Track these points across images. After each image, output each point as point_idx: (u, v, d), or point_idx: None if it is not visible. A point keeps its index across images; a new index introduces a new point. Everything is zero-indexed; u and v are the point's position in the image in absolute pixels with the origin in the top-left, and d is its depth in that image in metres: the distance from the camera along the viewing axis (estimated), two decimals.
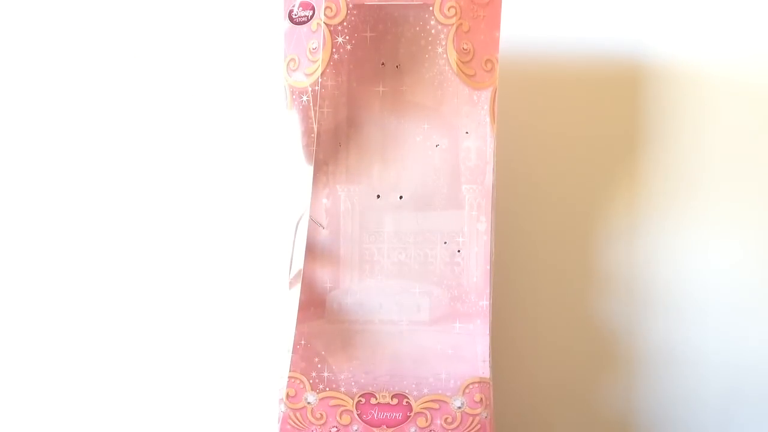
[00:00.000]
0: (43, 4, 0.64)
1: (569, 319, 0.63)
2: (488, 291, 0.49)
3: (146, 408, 0.66)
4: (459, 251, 0.50)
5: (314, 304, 0.50)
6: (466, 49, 0.48)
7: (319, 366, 0.49)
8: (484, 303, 0.49)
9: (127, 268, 0.65)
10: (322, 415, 0.49)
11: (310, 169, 0.49)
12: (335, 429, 0.49)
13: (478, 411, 0.49)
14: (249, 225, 0.64)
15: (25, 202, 0.65)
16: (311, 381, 0.49)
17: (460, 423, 0.49)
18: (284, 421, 0.50)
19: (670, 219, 0.62)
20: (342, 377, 0.49)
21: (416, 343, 0.50)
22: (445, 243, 0.50)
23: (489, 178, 0.49)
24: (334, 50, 0.48)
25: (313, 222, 0.49)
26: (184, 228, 0.64)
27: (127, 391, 0.66)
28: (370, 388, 0.49)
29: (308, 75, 0.48)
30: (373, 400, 0.49)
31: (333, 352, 0.50)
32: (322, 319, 0.50)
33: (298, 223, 0.49)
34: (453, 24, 0.47)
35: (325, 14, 0.47)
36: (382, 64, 0.49)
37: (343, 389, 0.49)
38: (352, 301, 0.50)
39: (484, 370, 0.49)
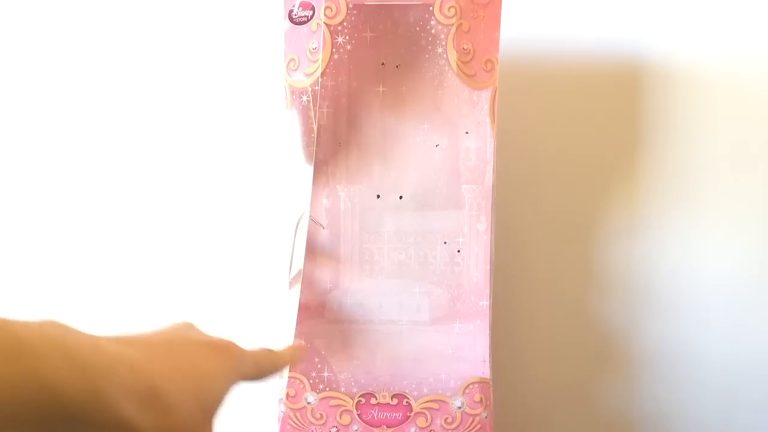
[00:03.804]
0: (43, 5, 0.64)
1: (569, 319, 0.63)
2: (488, 291, 0.49)
3: None
4: (459, 251, 0.50)
5: (314, 304, 0.50)
6: (466, 49, 0.48)
7: (319, 366, 0.49)
8: (484, 303, 0.49)
9: (128, 268, 0.65)
10: (322, 415, 0.49)
11: (310, 169, 0.49)
12: (335, 429, 0.49)
13: (478, 411, 0.49)
14: (249, 225, 0.64)
15: (26, 203, 0.65)
16: (311, 381, 0.49)
17: (460, 423, 0.49)
18: (284, 421, 0.50)
19: (669, 219, 0.62)
20: (342, 377, 0.49)
21: (416, 343, 0.50)
22: (445, 243, 0.50)
23: (489, 178, 0.49)
24: (334, 50, 0.48)
25: (313, 222, 0.49)
26: (184, 228, 0.64)
27: None
28: (370, 388, 0.49)
29: (308, 75, 0.48)
30: (373, 400, 0.49)
31: (333, 352, 0.50)
32: (322, 319, 0.50)
33: (298, 223, 0.49)
34: (453, 24, 0.47)
35: (325, 14, 0.47)
36: (382, 64, 0.49)
37: (343, 389, 0.49)
38: (352, 301, 0.50)
39: (484, 370, 0.49)
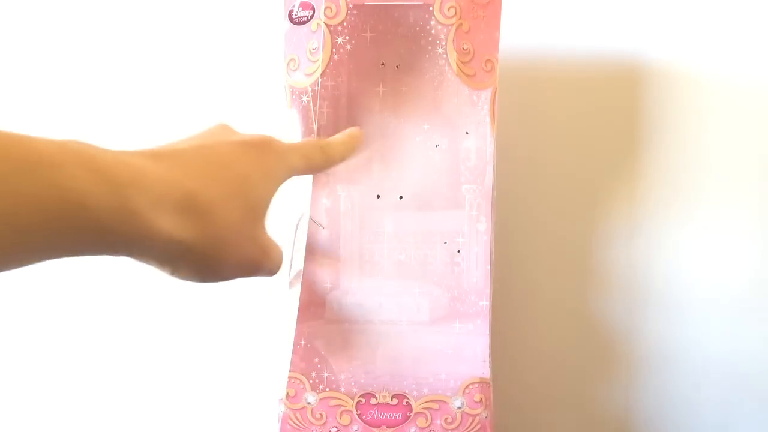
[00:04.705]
0: (43, 5, 0.64)
1: (569, 319, 0.63)
2: (488, 291, 0.49)
3: (147, 408, 0.66)
4: (459, 251, 0.50)
5: (314, 304, 0.50)
6: (466, 49, 0.48)
7: (319, 366, 0.49)
8: (484, 303, 0.49)
9: (127, 269, 0.65)
10: (322, 415, 0.49)
11: None
12: (335, 429, 0.49)
13: (478, 411, 0.49)
14: None
15: None
16: (311, 381, 0.49)
17: (460, 423, 0.49)
18: (284, 421, 0.50)
19: (669, 219, 0.62)
20: (342, 377, 0.49)
21: (416, 343, 0.50)
22: (445, 243, 0.50)
23: (489, 178, 0.49)
24: (334, 50, 0.48)
25: (313, 222, 0.49)
26: None
27: (128, 391, 0.66)
28: (370, 388, 0.49)
29: (308, 75, 0.48)
30: (373, 400, 0.49)
31: (333, 352, 0.50)
32: (322, 319, 0.50)
33: (298, 223, 0.49)
34: (453, 24, 0.47)
35: (325, 14, 0.47)
36: (382, 64, 0.49)
37: (343, 389, 0.49)
38: (352, 301, 0.50)
39: (484, 370, 0.49)
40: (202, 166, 0.28)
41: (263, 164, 0.31)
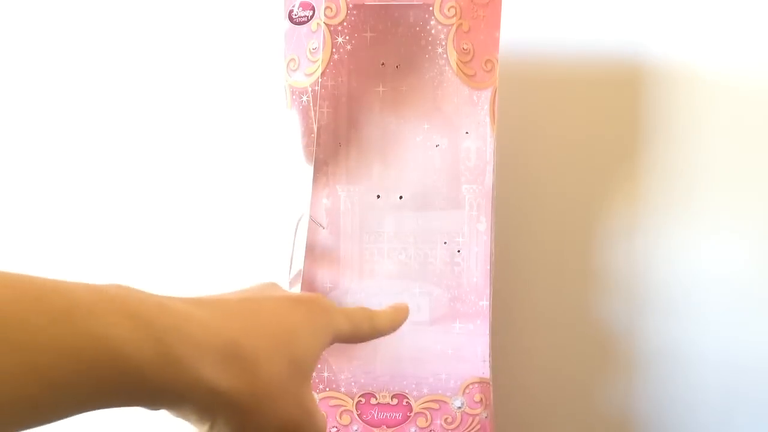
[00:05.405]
0: (43, 5, 0.64)
1: (569, 319, 0.63)
2: (488, 291, 0.49)
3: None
4: (459, 251, 0.50)
5: None
6: (466, 49, 0.48)
7: (319, 366, 0.49)
8: (484, 303, 0.49)
9: (128, 268, 0.65)
10: None
11: (310, 169, 0.49)
12: (335, 429, 0.49)
13: (478, 411, 0.49)
14: (249, 225, 0.64)
15: (26, 204, 0.65)
16: (311, 381, 0.49)
17: (460, 423, 0.49)
18: None
19: (669, 219, 0.62)
20: (342, 377, 0.49)
21: (416, 343, 0.50)
22: (445, 243, 0.50)
23: (489, 178, 0.49)
24: (334, 50, 0.48)
25: (313, 222, 0.49)
26: (184, 228, 0.64)
27: None
28: (370, 388, 0.49)
29: (308, 75, 0.48)
30: (373, 400, 0.49)
31: (333, 352, 0.50)
32: None
33: (298, 223, 0.49)
34: (453, 24, 0.47)
35: (325, 14, 0.47)
36: (382, 64, 0.49)
37: (343, 389, 0.49)
38: (352, 301, 0.50)
39: (484, 370, 0.49)
40: (247, 316, 0.27)
41: (311, 321, 0.30)
